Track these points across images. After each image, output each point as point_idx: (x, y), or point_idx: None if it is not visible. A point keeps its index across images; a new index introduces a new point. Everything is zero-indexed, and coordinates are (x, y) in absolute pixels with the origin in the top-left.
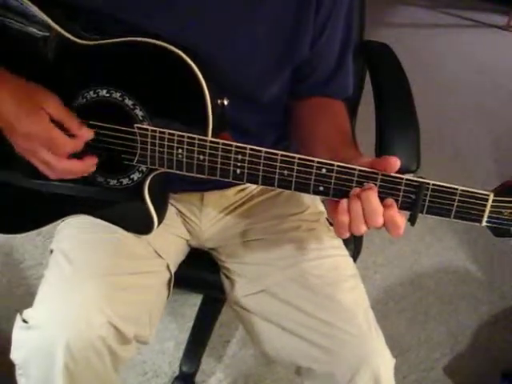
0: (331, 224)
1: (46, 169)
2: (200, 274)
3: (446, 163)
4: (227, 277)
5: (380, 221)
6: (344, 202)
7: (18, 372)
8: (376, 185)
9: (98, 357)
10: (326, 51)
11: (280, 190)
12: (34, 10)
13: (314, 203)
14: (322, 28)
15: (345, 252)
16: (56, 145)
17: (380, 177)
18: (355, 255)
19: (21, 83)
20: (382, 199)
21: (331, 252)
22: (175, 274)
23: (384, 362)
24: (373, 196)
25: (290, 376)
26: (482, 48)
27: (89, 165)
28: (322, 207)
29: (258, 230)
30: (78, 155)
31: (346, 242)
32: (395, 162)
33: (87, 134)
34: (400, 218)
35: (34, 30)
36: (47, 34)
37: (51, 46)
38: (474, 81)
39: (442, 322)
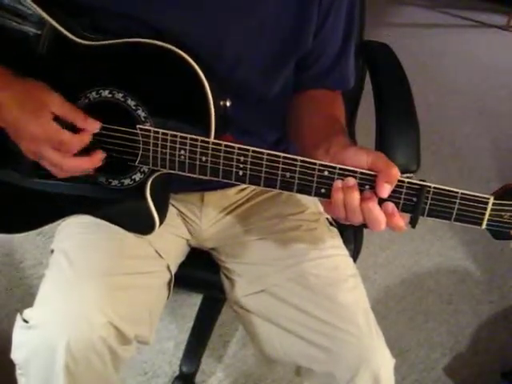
0: (331, 224)
1: (54, 169)
2: (200, 274)
3: (446, 163)
4: (227, 277)
5: (382, 227)
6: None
7: (18, 372)
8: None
9: (98, 357)
10: (329, 39)
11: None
12: (36, 9)
13: (314, 203)
14: (326, 15)
15: (345, 252)
16: (63, 145)
17: None
18: (355, 255)
19: (22, 83)
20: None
21: (331, 252)
22: (175, 274)
23: (384, 362)
24: (373, 206)
25: (289, 376)
26: (482, 48)
27: (97, 160)
28: (322, 207)
29: (258, 230)
30: (84, 150)
31: (345, 241)
32: (396, 175)
33: (94, 125)
34: (399, 219)
35: (36, 31)
36: (49, 34)
37: (53, 46)
38: (473, 81)
39: (442, 322)
